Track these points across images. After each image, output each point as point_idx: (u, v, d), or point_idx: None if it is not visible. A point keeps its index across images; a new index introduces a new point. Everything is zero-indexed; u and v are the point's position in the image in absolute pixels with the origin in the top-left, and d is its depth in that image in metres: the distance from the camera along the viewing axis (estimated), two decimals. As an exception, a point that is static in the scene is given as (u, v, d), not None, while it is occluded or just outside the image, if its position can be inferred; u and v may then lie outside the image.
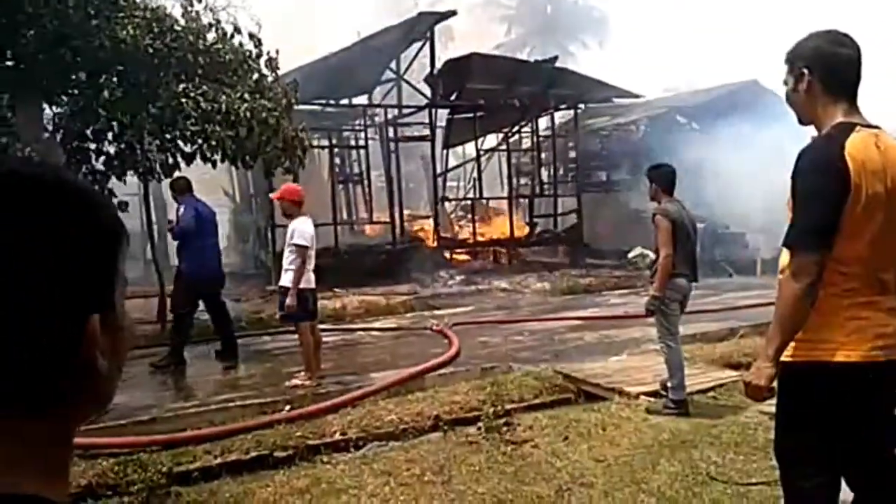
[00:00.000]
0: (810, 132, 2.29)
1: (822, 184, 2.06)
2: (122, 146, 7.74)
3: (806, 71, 2.18)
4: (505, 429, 4.99)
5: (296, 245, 6.30)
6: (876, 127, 2.19)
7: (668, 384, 5.31)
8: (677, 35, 49.93)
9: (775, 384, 2.20)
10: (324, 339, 8.86)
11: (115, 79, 7.53)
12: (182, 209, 7.29)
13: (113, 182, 8.46)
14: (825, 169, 2.06)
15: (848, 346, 2.09)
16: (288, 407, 5.67)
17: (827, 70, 2.17)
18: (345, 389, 6.15)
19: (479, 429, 5.05)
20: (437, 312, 10.41)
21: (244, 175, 15.64)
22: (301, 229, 6.33)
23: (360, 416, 5.39)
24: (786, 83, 2.29)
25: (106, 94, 7.22)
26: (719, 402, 5.64)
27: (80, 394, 0.65)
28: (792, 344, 2.14)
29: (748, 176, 17.73)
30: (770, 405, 5.40)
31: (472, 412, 5.52)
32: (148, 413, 5.56)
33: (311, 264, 6.46)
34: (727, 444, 4.69)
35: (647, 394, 5.68)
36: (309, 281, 6.45)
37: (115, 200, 8.36)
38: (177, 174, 7.99)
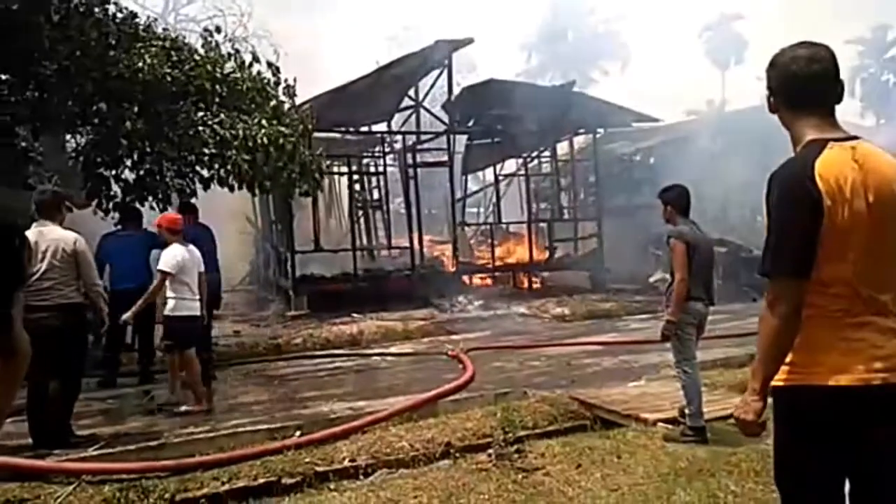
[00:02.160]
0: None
1: (792, 209, 1.98)
2: (141, 173, 7.84)
3: (768, 92, 2.14)
4: (516, 456, 4.88)
5: (158, 271, 6.36)
6: (854, 137, 2.08)
7: (686, 411, 5.16)
8: (698, 59, 49.65)
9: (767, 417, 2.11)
10: (340, 364, 8.88)
11: (135, 109, 7.67)
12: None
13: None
14: (795, 194, 1.97)
15: (839, 368, 1.99)
16: (298, 433, 5.61)
17: (787, 89, 2.12)
18: (356, 415, 6.07)
19: (489, 456, 4.94)
20: (454, 337, 10.32)
21: (266, 202, 15.80)
22: (163, 256, 6.37)
23: (371, 443, 5.31)
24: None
25: (128, 124, 7.35)
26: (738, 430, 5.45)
27: None
28: (784, 367, 2.05)
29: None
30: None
31: (483, 439, 5.41)
32: (157, 438, 5.52)
33: (194, 292, 6.43)
34: (746, 472, 4.52)
35: (664, 420, 5.53)
36: (191, 308, 6.38)
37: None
38: (193, 200, 8.11)
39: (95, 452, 5.23)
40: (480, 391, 6.82)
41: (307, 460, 5.01)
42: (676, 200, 5.23)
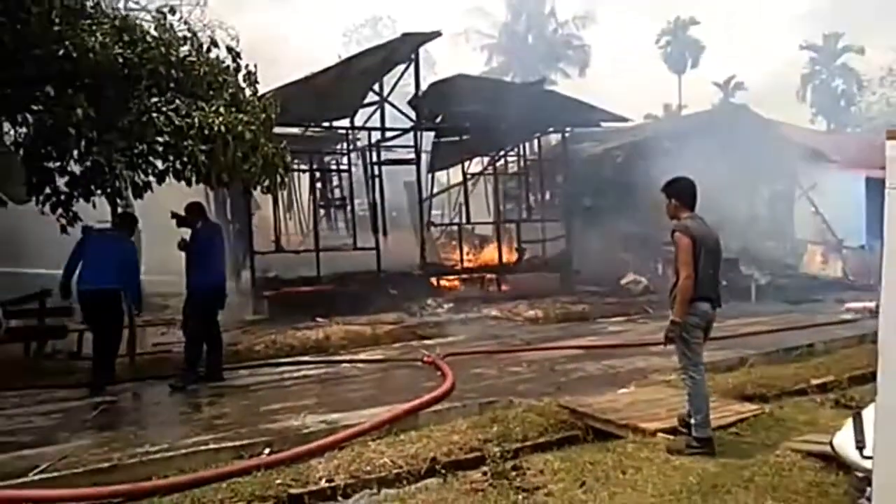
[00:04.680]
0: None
1: None
2: (89, 164, 7.14)
3: None
4: (514, 473, 4.45)
5: None
6: None
7: (692, 420, 4.81)
8: (655, 64, 50.30)
9: None
10: (307, 372, 8.31)
11: (83, 94, 6.98)
12: (197, 230, 7.75)
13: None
14: None
15: None
16: (267, 450, 5.09)
17: None
18: (330, 429, 5.56)
19: (484, 474, 4.49)
20: (426, 342, 9.85)
21: (221, 199, 15.04)
22: None
23: (349, 460, 4.84)
24: None
25: (80, 112, 6.65)
26: (744, 440, 5.14)
27: None
28: None
29: (738, 202, 17.58)
30: (800, 442, 4.92)
31: (472, 453, 4.99)
32: (108, 459, 4.91)
33: None
34: (763, 488, 4.19)
35: (664, 431, 5.18)
36: None
37: (80, 224, 7.83)
38: (190, 200, 7.98)
39: (37, 477, 4.61)
40: (463, 400, 6.37)
41: (279, 482, 4.52)
42: (681, 194, 4.90)
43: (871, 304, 11.89)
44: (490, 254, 16.17)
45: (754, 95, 37.31)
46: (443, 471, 4.75)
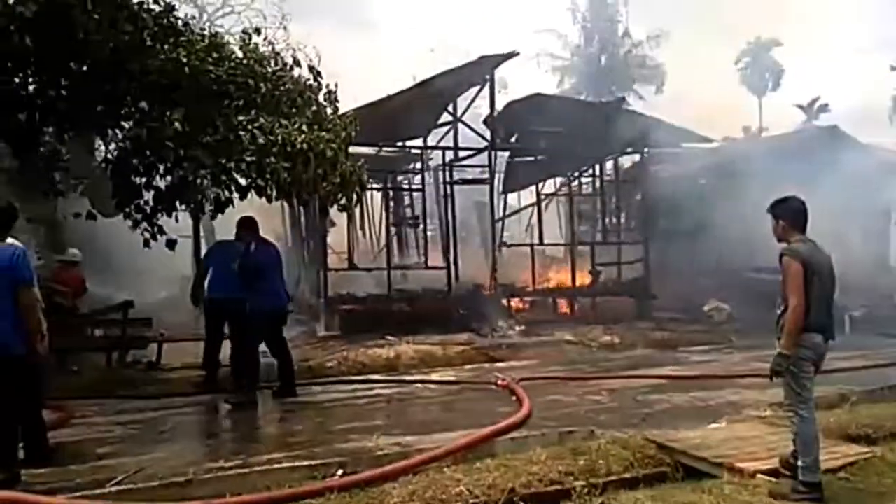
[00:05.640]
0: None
1: None
2: (175, 180, 7.29)
3: None
4: (601, 512, 4.15)
5: None
6: None
7: (798, 462, 4.39)
8: (733, 85, 48.69)
9: None
10: (379, 392, 8.18)
11: (182, 109, 7.11)
12: (252, 247, 7.49)
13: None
14: None
15: None
16: (341, 471, 4.94)
17: None
18: (405, 452, 5.37)
19: (570, 510, 4.21)
20: (498, 365, 9.59)
21: (298, 217, 15.27)
22: None
23: (424, 486, 4.63)
24: None
25: (178, 125, 6.80)
26: (855, 485, 4.67)
27: None
28: None
29: (830, 228, 16.61)
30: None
31: (552, 486, 4.71)
32: (183, 473, 4.86)
33: None
34: (882, 542, 3.75)
35: (764, 472, 4.75)
36: None
37: (163, 238, 8.00)
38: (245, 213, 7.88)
39: (115, 489, 4.60)
40: (541, 429, 6.08)
41: (353, 505, 4.35)
42: (791, 215, 4.52)
43: (984, 341, 10.94)
44: (563, 276, 15.78)
45: (841, 118, 35.49)
46: (521, 503, 4.50)
